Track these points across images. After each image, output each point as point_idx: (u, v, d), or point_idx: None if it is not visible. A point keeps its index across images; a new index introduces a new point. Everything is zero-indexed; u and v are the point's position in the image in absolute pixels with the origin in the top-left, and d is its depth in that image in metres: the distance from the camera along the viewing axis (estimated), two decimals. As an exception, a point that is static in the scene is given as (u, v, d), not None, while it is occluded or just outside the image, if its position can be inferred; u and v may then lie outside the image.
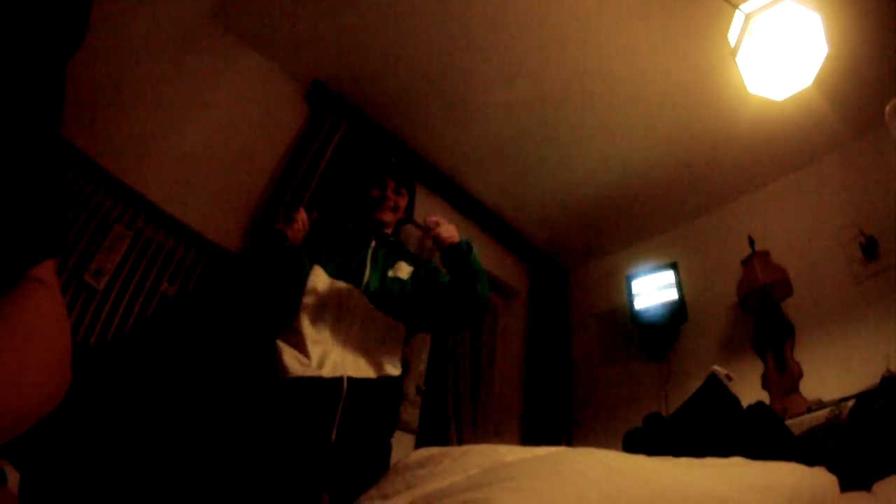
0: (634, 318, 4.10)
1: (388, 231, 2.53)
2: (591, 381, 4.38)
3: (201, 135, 3.11)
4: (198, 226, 2.94)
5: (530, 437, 4.00)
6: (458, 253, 2.30)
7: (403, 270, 2.41)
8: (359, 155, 3.61)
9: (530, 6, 3.16)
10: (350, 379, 2.07)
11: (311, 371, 2.04)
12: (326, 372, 2.05)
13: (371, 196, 2.51)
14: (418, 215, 3.94)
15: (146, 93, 2.90)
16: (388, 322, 2.26)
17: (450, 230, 2.31)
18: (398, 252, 2.50)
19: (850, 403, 2.20)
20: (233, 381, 2.53)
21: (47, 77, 0.66)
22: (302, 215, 2.20)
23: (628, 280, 4.22)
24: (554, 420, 4.16)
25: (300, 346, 2.09)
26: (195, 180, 3.03)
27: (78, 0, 0.69)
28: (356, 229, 2.49)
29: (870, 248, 3.18)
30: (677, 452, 1.76)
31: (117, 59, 2.59)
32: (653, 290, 4.05)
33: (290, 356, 2.07)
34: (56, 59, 0.67)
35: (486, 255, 4.48)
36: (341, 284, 2.23)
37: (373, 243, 2.42)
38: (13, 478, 1.42)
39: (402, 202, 2.56)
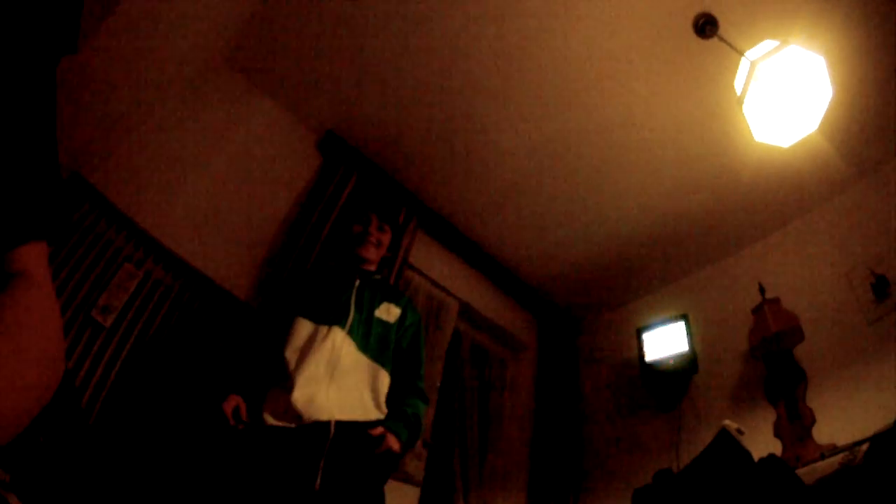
0: (645, 370, 4.04)
1: (373, 268, 2.52)
2: (601, 435, 4.30)
3: (214, 178, 3.15)
4: (207, 270, 2.94)
5: (537, 492, 3.92)
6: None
7: (390, 313, 2.39)
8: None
9: (542, 56, 3.20)
10: (338, 423, 2.03)
11: (292, 420, 2.02)
12: (309, 417, 2.01)
13: (353, 232, 2.52)
14: (431, 269, 4.00)
15: (160, 133, 2.95)
16: (372, 366, 2.25)
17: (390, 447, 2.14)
18: (383, 291, 2.48)
19: (865, 447, 2.13)
20: (217, 428, 2.43)
21: (39, 74, 0.66)
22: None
23: (639, 333, 4.18)
24: (562, 475, 4.07)
25: (284, 393, 2.06)
26: (206, 224, 3.05)
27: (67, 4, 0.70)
28: (340, 269, 2.48)
29: (880, 288, 3.12)
30: (688, 508, 1.72)
31: (132, 98, 2.64)
32: (663, 341, 4.01)
33: (271, 404, 2.06)
34: (47, 59, 0.67)
35: (496, 309, 4.51)
36: (325, 329, 2.21)
37: (357, 283, 2.40)
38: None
39: (386, 238, 2.57)
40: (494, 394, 4.30)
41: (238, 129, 3.37)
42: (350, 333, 2.23)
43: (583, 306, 4.92)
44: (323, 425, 2.01)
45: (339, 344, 2.18)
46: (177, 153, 3.02)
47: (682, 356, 3.86)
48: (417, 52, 3.27)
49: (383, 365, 2.27)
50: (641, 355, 4.08)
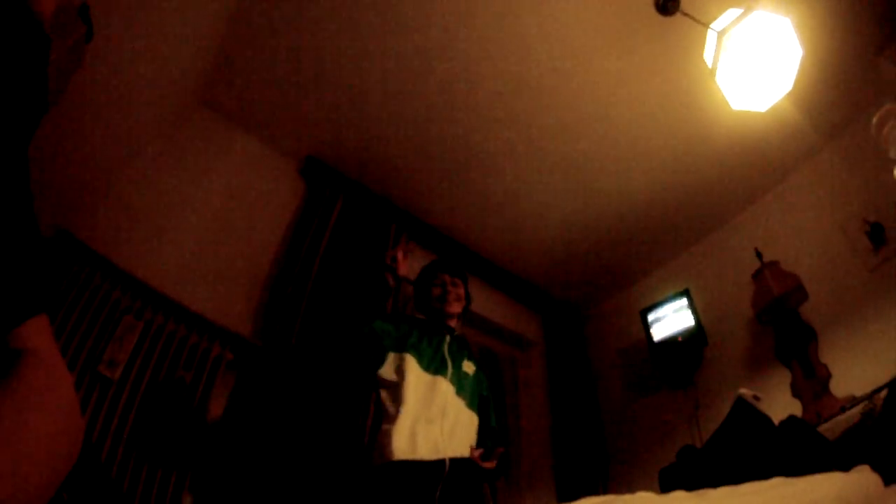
0: (655, 350, 4.05)
1: (454, 323, 2.81)
2: (621, 420, 4.30)
3: (201, 219, 3.16)
4: (206, 311, 2.93)
5: (564, 485, 3.91)
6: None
7: (470, 368, 2.69)
8: (359, 227, 3.64)
9: (508, 55, 3.22)
10: (451, 460, 2.26)
11: (415, 455, 2.23)
12: (429, 455, 2.25)
13: (433, 295, 2.80)
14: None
15: (143, 182, 2.97)
16: (469, 412, 2.54)
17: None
18: (464, 348, 2.78)
19: (884, 393, 2.14)
20: (331, 468, 2.72)
21: (12, 152, 0.66)
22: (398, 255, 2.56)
23: (643, 314, 4.19)
24: (587, 465, 4.06)
25: (406, 430, 2.28)
26: (200, 266, 3.05)
27: (33, 77, 0.70)
28: (432, 323, 2.75)
29: (876, 234, 3.12)
30: (716, 483, 1.72)
31: (113, 148, 2.65)
32: (669, 319, 4.01)
33: (397, 439, 2.25)
34: (19, 134, 0.67)
35: (499, 310, 4.49)
36: (431, 377, 2.48)
37: (447, 338, 2.69)
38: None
39: (462, 291, 2.88)
40: (509, 393, 4.29)
41: (219, 166, 3.38)
42: (451, 383, 2.51)
43: (584, 296, 4.92)
44: (438, 463, 2.24)
45: (444, 391, 2.46)
46: (162, 199, 3.03)
47: (689, 331, 3.87)
48: (385, 68, 3.29)
49: (473, 410, 2.58)
50: (649, 336, 4.09)
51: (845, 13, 2.95)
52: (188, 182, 3.18)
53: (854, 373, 2.99)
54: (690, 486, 1.91)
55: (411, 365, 2.46)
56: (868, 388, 2.55)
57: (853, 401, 2.66)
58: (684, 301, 3.97)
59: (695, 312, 3.89)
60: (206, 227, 3.16)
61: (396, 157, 3.79)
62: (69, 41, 1.55)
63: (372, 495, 2.21)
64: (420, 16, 3.05)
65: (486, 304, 4.42)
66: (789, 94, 2.59)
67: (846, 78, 3.24)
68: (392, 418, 2.31)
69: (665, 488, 2.62)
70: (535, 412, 4.34)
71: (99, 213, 2.72)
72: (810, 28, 2.80)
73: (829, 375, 3.10)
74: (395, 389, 2.40)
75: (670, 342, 3.95)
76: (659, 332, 4.04)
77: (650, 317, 4.14)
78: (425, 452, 2.25)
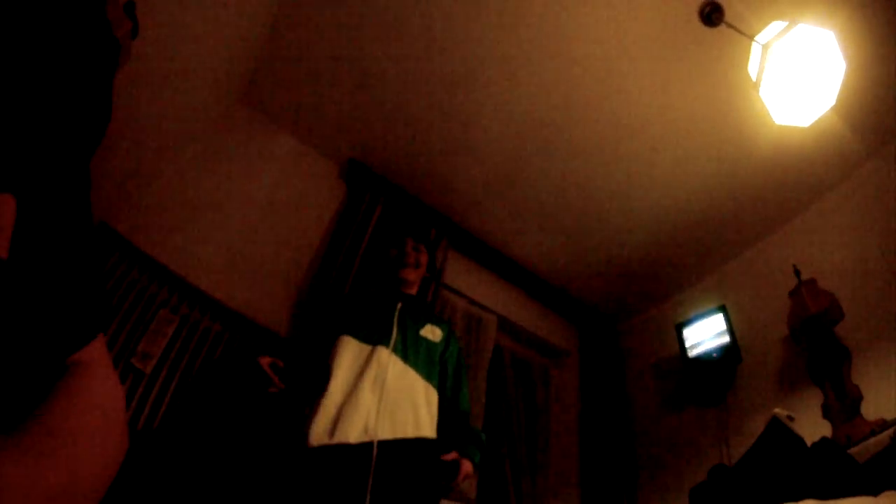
0: (688, 365, 3.98)
1: (414, 291, 2.58)
2: (651, 435, 4.24)
3: (241, 218, 3.20)
4: (243, 309, 2.96)
5: (590, 498, 3.87)
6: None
7: (434, 333, 2.43)
8: (399, 231, 3.64)
9: (552, 64, 3.21)
10: (381, 443, 2.02)
11: (336, 439, 2.00)
12: (355, 438, 2.01)
13: (391, 256, 2.61)
14: (466, 287, 4.00)
15: (185, 178, 3.01)
16: (423, 383, 2.26)
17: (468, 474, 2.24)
18: (426, 314, 2.53)
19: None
20: (260, 452, 2.50)
21: (77, 167, 0.67)
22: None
23: (678, 328, 4.13)
24: (615, 478, 4.01)
25: (328, 413, 2.07)
26: (238, 264, 3.08)
27: (98, 94, 0.71)
28: (381, 293, 2.53)
29: (915, 253, 3.04)
30: (747, 503, 1.70)
31: (155, 145, 2.69)
32: (704, 335, 3.95)
33: (315, 424, 2.04)
34: (83, 150, 0.69)
35: (534, 319, 4.51)
36: (369, 348, 2.23)
37: (399, 305, 2.44)
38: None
39: (423, 258, 2.64)
40: (540, 403, 4.26)
41: (261, 165, 3.42)
42: (395, 351, 2.25)
43: (620, 308, 4.89)
44: (366, 446, 2.00)
45: (384, 362, 2.20)
46: (202, 195, 3.08)
47: (724, 348, 3.79)
48: (430, 72, 3.30)
49: (431, 382, 2.29)
50: (683, 351, 4.02)
51: (889, 25, 2.88)
52: (229, 180, 3.23)
53: (886, 395, 2.89)
54: (721, 505, 1.89)
55: (344, 342, 2.24)
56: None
57: (883, 424, 2.59)
58: (720, 317, 3.90)
59: (731, 329, 3.82)
60: (245, 225, 3.20)
61: (438, 163, 3.80)
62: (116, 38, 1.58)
63: (293, 486, 2.02)
64: (464, 21, 3.06)
65: (522, 312, 4.42)
66: (832, 108, 2.53)
67: (889, 92, 3.14)
68: (315, 401, 2.11)
69: (695, 507, 2.59)
70: (566, 422, 4.33)
71: (139, 206, 2.77)
72: (853, 41, 2.74)
73: (860, 397, 3.01)
74: (325, 372, 2.18)
75: (705, 358, 3.88)
76: (694, 348, 3.98)
77: (685, 332, 4.08)
78: (351, 434, 2.00)
